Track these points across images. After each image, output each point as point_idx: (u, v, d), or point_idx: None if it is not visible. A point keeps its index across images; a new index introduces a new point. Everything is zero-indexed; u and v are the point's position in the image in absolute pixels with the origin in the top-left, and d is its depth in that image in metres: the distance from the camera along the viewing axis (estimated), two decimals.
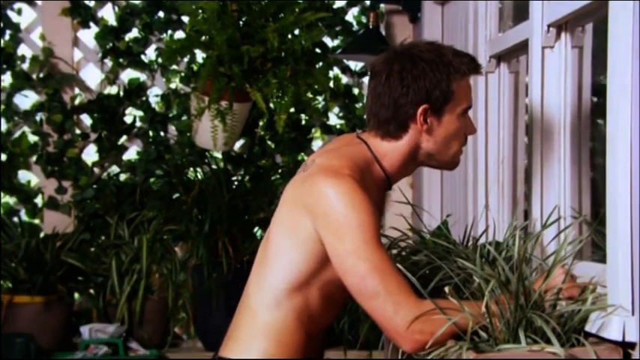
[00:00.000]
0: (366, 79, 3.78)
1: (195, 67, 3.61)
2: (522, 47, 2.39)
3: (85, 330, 3.30)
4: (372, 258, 1.75)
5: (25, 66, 3.54)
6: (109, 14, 3.61)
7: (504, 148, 2.60)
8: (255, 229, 3.54)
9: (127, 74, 3.63)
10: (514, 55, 2.54)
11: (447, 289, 1.76)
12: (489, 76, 2.62)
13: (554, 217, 2.02)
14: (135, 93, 3.62)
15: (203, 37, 3.33)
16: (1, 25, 3.54)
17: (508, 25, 2.64)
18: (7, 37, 3.54)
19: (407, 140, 1.86)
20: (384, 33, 3.64)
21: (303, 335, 1.88)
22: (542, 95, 2.09)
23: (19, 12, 3.57)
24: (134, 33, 3.62)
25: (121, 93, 3.60)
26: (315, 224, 1.78)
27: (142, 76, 3.64)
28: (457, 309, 1.70)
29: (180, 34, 3.61)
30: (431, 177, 3.39)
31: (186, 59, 3.63)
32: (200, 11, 3.29)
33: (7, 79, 3.54)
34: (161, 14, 3.62)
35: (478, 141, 2.64)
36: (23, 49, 3.56)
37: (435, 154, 1.88)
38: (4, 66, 3.53)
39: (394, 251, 2.15)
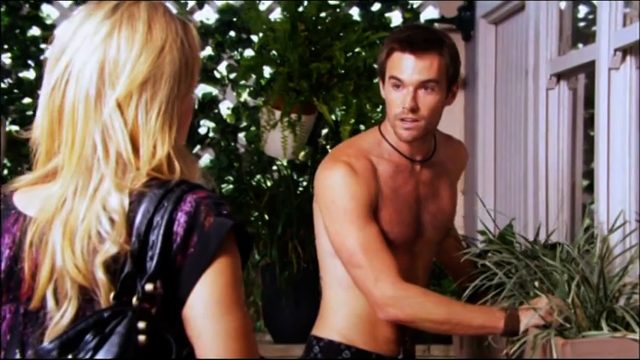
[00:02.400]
0: None
1: (262, 82, 3.88)
2: (582, 67, 2.68)
3: None
4: (357, 236, 2.01)
5: None
6: None
7: (564, 158, 2.88)
8: None
9: (201, 89, 3.90)
10: (573, 73, 2.83)
11: (536, 283, 2.04)
12: (550, 93, 2.90)
13: (620, 222, 2.29)
14: (208, 106, 3.91)
15: (272, 55, 3.62)
16: None
17: (567, 45, 2.93)
18: None
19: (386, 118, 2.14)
20: None
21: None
22: (608, 111, 2.36)
23: None
24: (208, 51, 3.89)
25: (196, 106, 3.90)
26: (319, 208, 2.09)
27: (215, 91, 3.91)
28: (447, 304, 2.01)
29: (249, 52, 3.89)
30: (485, 184, 3.66)
31: (253, 74, 3.91)
32: (271, 31, 3.58)
33: None
34: (232, 34, 3.90)
35: (539, 151, 2.92)
36: None
37: (387, 120, 2.11)
38: None
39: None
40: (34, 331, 1.18)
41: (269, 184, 3.76)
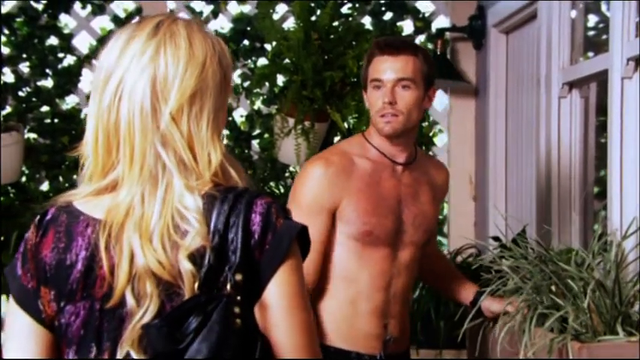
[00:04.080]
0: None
1: (276, 90, 3.93)
2: (594, 75, 2.72)
3: None
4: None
5: None
6: None
7: (575, 166, 2.92)
8: None
9: None
10: (585, 82, 2.87)
11: (553, 288, 2.08)
12: (562, 101, 2.94)
13: (633, 229, 2.32)
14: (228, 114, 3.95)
15: (285, 63, 3.67)
16: None
17: (579, 54, 2.97)
18: None
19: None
20: (449, 59, 3.94)
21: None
22: (621, 119, 2.41)
23: None
24: None
25: None
26: None
27: (229, 99, 3.96)
28: None
29: (263, 61, 3.94)
30: (496, 191, 3.70)
31: (267, 82, 3.95)
32: (284, 40, 3.63)
33: None
34: (246, 42, 3.95)
35: (551, 159, 2.95)
36: None
37: (372, 122, 2.28)
38: None
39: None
40: (113, 328, 1.27)
41: (282, 190, 3.81)
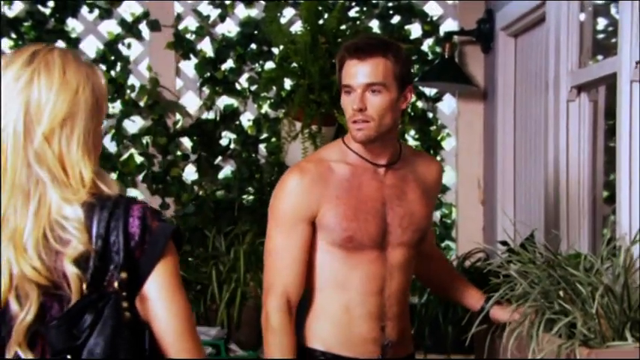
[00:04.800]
0: (440, 104, 4.06)
1: (283, 94, 3.92)
2: (602, 79, 2.70)
3: None
4: (276, 240, 2.18)
5: (134, 94, 3.87)
6: (207, 47, 3.93)
7: (584, 170, 2.90)
8: None
9: (223, 101, 3.94)
10: (594, 85, 2.85)
11: (561, 293, 2.06)
12: (570, 105, 2.92)
13: None
14: (229, 118, 3.95)
15: (292, 67, 3.66)
16: (113, 58, 3.88)
17: (587, 57, 2.95)
18: (118, 68, 3.87)
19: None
20: (457, 62, 3.92)
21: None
22: (630, 123, 2.39)
23: (129, 46, 3.90)
24: (229, 63, 3.93)
25: (218, 118, 3.93)
26: None
27: (236, 103, 3.96)
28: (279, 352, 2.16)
29: (270, 64, 3.93)
30: (504, 195, 3.68)
31: (274, 86, 3.94)
32: (291, 44, 3.62)
33: (118, 106, 3.87)
34: (253, 46, 3.94)
35: (560, 163, 2.93)
36: (132, 80, 3.88)
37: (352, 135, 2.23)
38: (115, 95, 3.86)
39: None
40: (1, 331, 1.42)
41: None
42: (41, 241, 1.41)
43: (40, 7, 3.82)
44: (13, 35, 3.82)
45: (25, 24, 3.83)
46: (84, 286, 1.41)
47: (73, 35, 3.88)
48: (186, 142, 3.93)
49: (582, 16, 2.95)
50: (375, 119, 2.16)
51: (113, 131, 3.86)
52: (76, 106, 1.44)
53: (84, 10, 3.87)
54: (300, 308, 2.25)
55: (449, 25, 3.99)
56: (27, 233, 1.41)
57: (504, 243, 3.09)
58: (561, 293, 2.00)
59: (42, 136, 1.42)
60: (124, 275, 1.43)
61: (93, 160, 1.47)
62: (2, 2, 3.82)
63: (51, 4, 3.83)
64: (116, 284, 1.43)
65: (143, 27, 3.89)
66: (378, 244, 2.22)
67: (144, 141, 3.88)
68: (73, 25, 3.90)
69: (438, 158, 4.03)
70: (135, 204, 1.47)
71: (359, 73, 2.16)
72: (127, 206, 1.46)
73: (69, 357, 1.39)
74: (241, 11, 3.96)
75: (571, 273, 2.04)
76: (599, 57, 3.21)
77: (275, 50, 3.86)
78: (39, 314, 1.40)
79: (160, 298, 1.47)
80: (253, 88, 3.94)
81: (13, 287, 1.40)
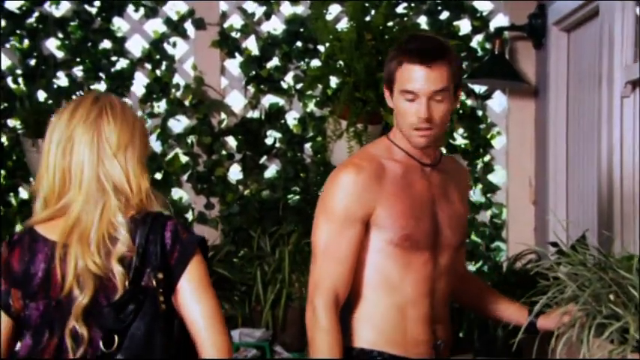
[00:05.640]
0: (490, 102, 3.97)
1: (329, 92, 3.87)
2: None
3: (235, 334, 3.57)
4: (326, 237, 2.12)
5: (179, 93, 3.86)
6: (252, 45, 3.90)
7: (638, 168, 2.79)
8: None
9: (268, 99, 3.92)
10: None
11: (611, 296, 1.97)
12: (625, 101, 2.81)
13: None
14: (275, 116, 3.91)
15: (338, 65, 3.60)
16: (158, 57, 3.88)
17: None
18: (163, 67, 3.87)
19: (395, 118, 2.20)
20: (507, 58, 3.83)
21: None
22: None
23: (174, 45, 3.89)
24: (274, 61, 3.90)
25: (263, 117, 3.90)
26: None
27: (281, 101, 3.92)
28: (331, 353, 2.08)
29: (315, 62, 3.88)
30: (556, 194, 3.58)
31: (320, 84, 3.89)
32: (337, 41, 3.57)
33: (163, 105, 3.87)
34: (299, 44, 3.90)
35: (613, 160, 2.83)
36: (177, 78, 3.88)
37: (399, 129, 2.18)
38: (160, 94, 3.86)
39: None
40: (62, 315, 1.82)
41: None
42: (101, 241, 1.82)
43: (86, 6, 3.84)
44: (60, 35, 3.85)
45: (72, 24, 3.86)
46: (127, 282, 1.81)
47: (119, 34, 3.89)
48: (231, 141, 3.91)
49: (638, 9, 2.84)
50: (438, 126, 2.14)
51: (158, 130, 3.85)
52: (133, 135, 1.89)
53: (130, 9, 3.88)
54: (344, 308, 2.20)
55: (499, 21, 3.91)
56: (92, 233, 1.82)
57: (554, 244, 3.01)
58: (612, 297, 1.91)
59: (112, 156, 1.86)
60: (160, 276, 1.83)
61: (149, 180, 1.90)
62: (49, 2, 3.84)
63: (97, 3, 3.85)
64: (154, 282, 1.83)
65: (188, 25, 3.88)
66: (431, 244, 2.18)
67: (189, 140, 3.87)
68: (118, 24, 3.91)
69: (488, 157, 3.96)
70: (169, 220, 1.88)
71: (424, 79, 2.10)
72: (163, 222, 1.87)
73: (116, 337, 1.79)
74: (287, 9, 3.93)
75: (623, 276, 1.95)
76: None
77: (321, 48, 3.82)
78: (92, 299, 1.80)
79: (190, 293, 1.85)
80: (299, 86, 3.90)
81: (75, 276, 1.81)
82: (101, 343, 1.79)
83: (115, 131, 1.87)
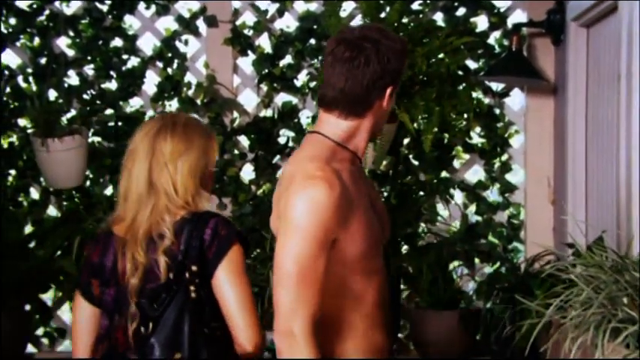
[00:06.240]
0: (507, 100, 3.90)
1: None
2: None
3: None
4: (300, 259, 1.90)
5: (191, 92, 3.82)
6: (265, 42, 3.86)
7: None
8: (402, 243, 3.71)
9: (281, 98, 3.87)
10: None
11: (625, 299, 1.89)
12: None
13: None
14: (288, 115, 3.86)
15: None
16: (170, 55, 3.84)
17: None
18: (174, 65, 3.84)
19: (370, 118, 2.01)
20: (525, 55, 3.75)
21: None
22: None
23: (186, 43, 3.85)
24: (288, 59, 3.85)
25: (276, 115, 3.84)
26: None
27: (294, 100, 3.86)
28: None
29: None
30: (575, 194, 3.49)
31: None
32: None
33: (175, 104, 3.83)
34: (312, 41, 3.85)
35: (632, 159, 2.74)
36: (189, 77, 3.84)
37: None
38: (172, 92, 3.82)
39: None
40: (125, 298, 2.16)
41: None
42: (149, 237, 2.15)
43: (97, 4, 3.81)
44: (71, 33, 3.82)
45: (83, 21, 3.83)
46: (170, 274, 2.12)
47: (130, 32, 3.86)
48: (244, 140, 3.86)
49: None
50: None
51: None
52: (188, 149, 2.18)
53: (141, 6, 3.85)
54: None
55: (517, 17, 3.84)
56: (141, 230, 2.15)
57: (571, 245, 2.93)
58: (625, 300, 1.83)
59: (163, 165, 2.16)
60: (194, 268, 2.12)
61: (197, 185, 2.18)
62: (60, 0, 3.82)
63: (108, 1, 3.82)
64: (187, 274, 2.12)
65: (200, 23, 3.84)
66: (380, 244, 2.07)
67: None
68: (130, 22, 3.88)
69: (506, 156, 3.88)
70: (212, 218, 2.16)
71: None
72: (206, 220, 2.15)
73: (151, 324, 2.11)
74: (300, 5, 3.88)
75: (639, 278, 1.87)
76: None
77: None
78: (140, 286, 2.14)
79: (225, 282, 2.12)
80: (312, 84, 3.84)
81: (130, 267, 2.15)
82: (142, 328, 2.13)
83: (169, 145, 2.17)
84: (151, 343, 2.11)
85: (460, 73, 3.74)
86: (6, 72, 3.77)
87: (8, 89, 3.77)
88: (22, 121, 3.78)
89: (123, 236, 2.17)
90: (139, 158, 2.18)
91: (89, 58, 3.81)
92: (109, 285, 2.20)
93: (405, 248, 3.74)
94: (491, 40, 3.86)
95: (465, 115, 3.70)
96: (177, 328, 2.11)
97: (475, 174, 3.93)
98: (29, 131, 3.64)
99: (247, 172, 3.87)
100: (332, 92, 2.00)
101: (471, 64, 3.85)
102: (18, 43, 3.81)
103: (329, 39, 2.08)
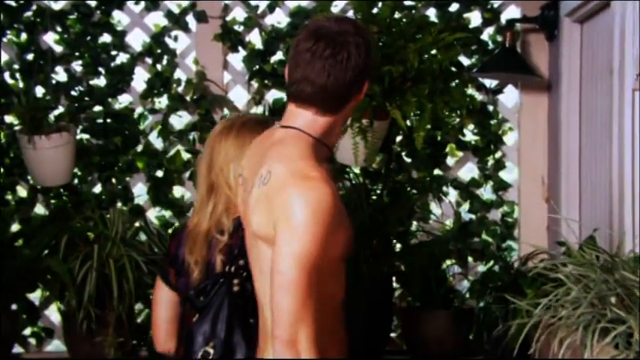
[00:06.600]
0: (501, 96, 3.86)
1: None
2: None
3: None
4: (309, 267, 1.78)
5: (180, 89, 3.79)
6: (256, 38, 3.82)
7: None
8: (394, 242, 3.68)
9: (272, 94, 3.83)
10: None
11: (613, 299, 1.85)
12: (636, 94, 2.68)
13: None
14: (279, 112, 3.81)
15: None
16: (159, 51, 3.80)
17: None
18: (164, 62, 3.80)
19: (344, 113, 1.93)
20: (519, 51, 3.72)
21: None
22: None
23: (176, 39, 3.82)
24: (279, 56, 3.81)
25: (267, 112, 3.81)
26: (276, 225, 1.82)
27: (285, 96, 3.81)
28: None
29: None
30: (569, 192, 3.46)
31: None
32: None
33: (164, 101, 3.80)
34: None
35: (625, 156, 2.70)
36: (178, 73, 3.81)
37: (342, 123, 1.96)
38: (161, 89, 3.78)
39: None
40: (187, 285, 2.35)
41: (341, 192, 3.64)
42: (207, 235, 2.31)
43: None
44: (59, 28, 3.78)
45: (71, 17, 3.79)
46: (226, 268, 2.26)
47: (119, 28, 3.83)
48: None
49: None
50: None
51: (159, 127, 3.77)
52: (242, 153, 2.16)
53: (130, 2, 3.81)
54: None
55: (510, 13, 3.81)
56: (202, 227, 2.32)
57: (562, 244, 2.90)
58: (613, 299, 1.79)
59: (220, 167, 2.31)
60: (241, 262, 2.23)
61: None
62: None
63: None
64: (233, 268, 2.26)
65: (190, 19, 3.81)
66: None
67: (190, 137, 3.79)
68: (118, 17, 3.84)
69: (499, 154, 3.85)
70: None
71: None
72: None
73: (197, 314, 2.28)
74: (291, 1, 3.83)
75: (628, 277, 1.83)
76: None
77: None
78: (200, 275, 2.31)
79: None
80: None
81: (192, 260, 2.33)
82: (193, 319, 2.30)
83: (225, 147, 2.31)
84: (193, 334, 2.27)
85: (453, 69, 3.71)
86: None
87: None
88: (8, 118, 3.74)
89: (191, 231, 2.35)
90: (202, 159, 2.36)
91: (77, 54, 3.77)
92: (181, 275, 2.38)
93: (397, 247, 3.70)
94: (484, 36, 3.83)
95: (458, 112, 3.65)
96: (216, 319, 2.25)
97: (468, 172, 3.90)
98: (16, 128, 3.60)
99: None
100: (311, 88, 1.92)
101: (464, 61, 3.82)
102: (5, 39, 3.77)
103: (301, 30, 1.99)
